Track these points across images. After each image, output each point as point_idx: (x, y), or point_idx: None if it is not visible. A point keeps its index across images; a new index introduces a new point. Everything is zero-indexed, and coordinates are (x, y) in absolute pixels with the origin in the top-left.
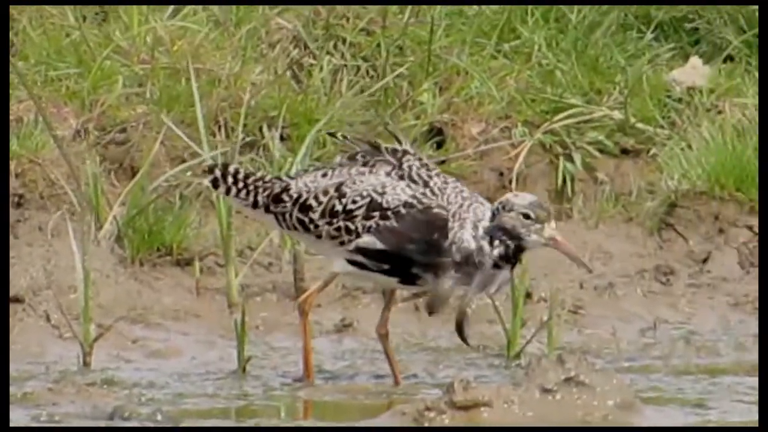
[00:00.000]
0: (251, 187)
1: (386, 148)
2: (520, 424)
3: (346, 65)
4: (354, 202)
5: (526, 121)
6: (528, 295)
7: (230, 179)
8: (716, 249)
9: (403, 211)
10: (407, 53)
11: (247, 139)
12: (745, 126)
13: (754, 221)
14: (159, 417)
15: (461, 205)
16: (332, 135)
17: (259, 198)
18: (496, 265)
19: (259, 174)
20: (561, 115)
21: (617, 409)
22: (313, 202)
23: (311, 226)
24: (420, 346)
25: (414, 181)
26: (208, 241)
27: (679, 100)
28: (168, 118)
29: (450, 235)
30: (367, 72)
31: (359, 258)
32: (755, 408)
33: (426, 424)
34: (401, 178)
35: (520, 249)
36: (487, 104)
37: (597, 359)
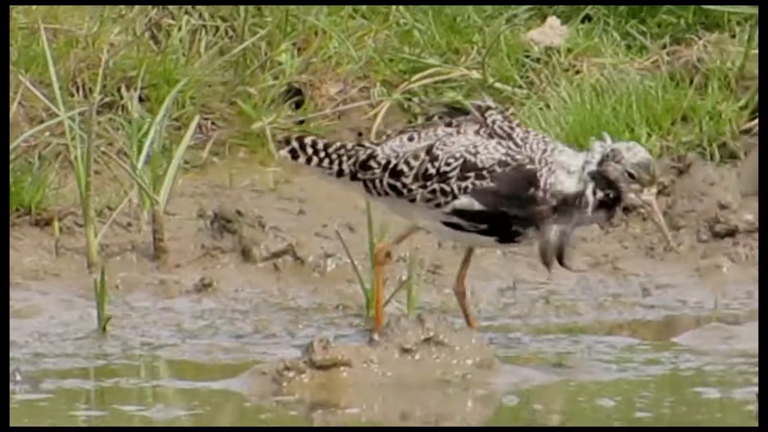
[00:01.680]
0: (334, 156)
1: (473, 105)
2: (379, 384)
3: (205, 26)
4: (447, 164)
5: (384, 81)
6: (387, 255)
7: (309, 149)
8: None
9: (498, 169)
10: (265, 13)
11: (106, 99)
12: (603, 85)
13: None
14: (18, 377)
15: (545, 150)
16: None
17: (345, 166)
18: (595, 209)
19: (338, 143)
20: (419, 75)
21: (476, 369)
22: (404, 167)
23: (404, 191)
24: (280, 305)
25: (501, 137)
26: (67, 201)
27: (537, 60)
28: (26, 78)
29: (541, 183)
30: (226, 32)
31: (456, 219)
32: (614, 367)
33: (284, 384)
34: (490, 136)
35: (617, 200)
36: (345, 64)
37: (456, 319)
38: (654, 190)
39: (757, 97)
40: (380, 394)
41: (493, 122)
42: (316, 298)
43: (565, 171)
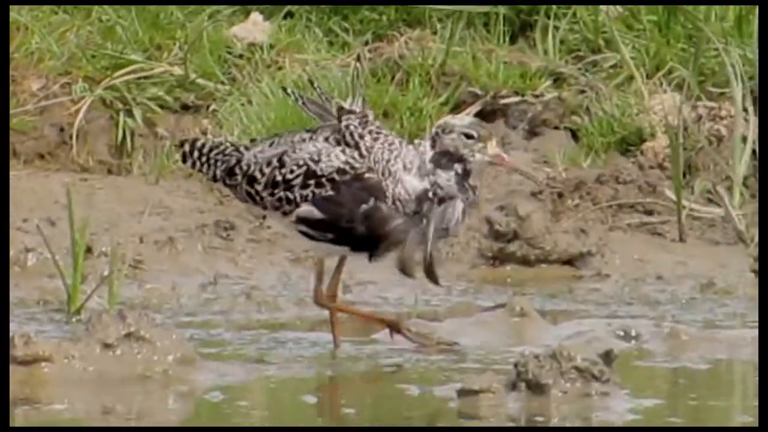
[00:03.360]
0: (212, 161)
1: (336, 105)
2: (81, 380)
3: None
4: (291, 171)
5: (86, 77)
6: (88, 250)
7: (195, 153)
8: None
9: (337, 178)
10: None
11: None
12: (305, 81)
13: None
14: None
15: (388, 161)
16: (284, 91)
17: (218, 172)
18: (450, 197)
19: (222, 145)
20: (121, 71)
21: (177, 364)
22: (258, 174)
23: (257, 198)
24: None
25: (347, 145)
26: None
27: (240, 56)
28: None
29: (389, 194)
30: None
31: (303, 228)
32: (316, 363)
33: None
34: (338, 143)
35: (466, 172)
36: (47, 60)
37: (157, 314)
38: (494, 142)
39: (457, 93)
40: (82, 390)
41: (347, 127)
42: (17, 292)
43: (408, 173)
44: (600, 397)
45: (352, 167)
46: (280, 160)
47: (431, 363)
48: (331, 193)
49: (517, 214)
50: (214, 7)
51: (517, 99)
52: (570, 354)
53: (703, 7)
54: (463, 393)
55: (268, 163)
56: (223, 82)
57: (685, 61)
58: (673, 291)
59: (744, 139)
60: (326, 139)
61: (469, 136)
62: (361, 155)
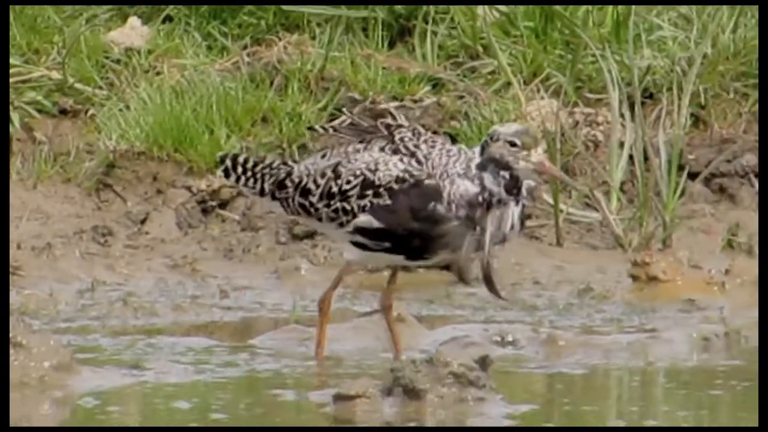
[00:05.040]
0: (258, 175)
1: (381, 123)
2: None
3: None
4: (348, 182)
5: None
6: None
7: (239, 168)
8: (154, 210)
9: (395, 186)
10: None
11: None
12: (184, 87)
13: (192, 181)
14: None
15: (446, 164)
16: (312, 129)
17: (266, 185)
18: (499, 201)
19: (267, 161)
20: None
21: (54, 371)
22: (312, 186)
23: (312, 210)
24: None
25: (404, 154)
26: None
27: (118, 61)
28: None
29: (444, 196)
30: None
31: (359, 238)
32: (191, 368)
33: None
34: (394, 152)
35: (514, 179)
36: None
37: (34, 320)
38: (540, 150)
39: (336, 98)
40: None
41: (401, 139)
42: None
43: (463, 177)
44: (476, 402)
45: (411, 174)
46: (335, 171)
47: (308, 369)
48: (389, 201)
49: None
50: (92, 12)
51: (395, 104)
52: (446, 359)
53: (580, 13)
54: (338, 398)
55: (323, 175)
56: (101, 87)
57: (562, 67)
58: (551, 296)
59: (621, 145)
60: (382, 149)
61: (513, 144)
62: (418, 162)
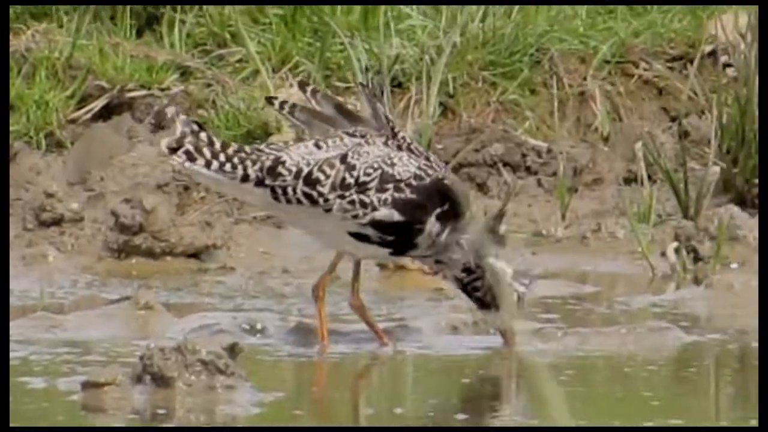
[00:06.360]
0: (236, 160)
1: (383, 115)
2: None
3: None
4: (366, 174)
5: None
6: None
7: (208, 152)
8: None
9: (414, 182)
10: None
11: None
12: None
13: None
14: None
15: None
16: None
17: (250, 171)
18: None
19: (235, 145)
20: None
21: None
22: (320, 175)
23: (320, 200)
24: None
25: (414, 154)
26: None
27: None
28: None
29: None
30: None
31: (369, 231)
32: None
33: None
34: (399, 148)
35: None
36: None
37: None
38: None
39: (84, 87)
40: None
41: (403, 138)
42: None
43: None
44: (225, 390)
45: (426, 173)
46: (345, 162)
47: (55, 356)
48: (413, 196)
49: (143, 206)
50: None
51: (143, 92)
52: (195, 347)
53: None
54: (87, 386)
55: (331, 165)
56: None
57: (311, 55)
58: (299, 284)
59: None
60: (385, 144)
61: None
62: (428, 159)
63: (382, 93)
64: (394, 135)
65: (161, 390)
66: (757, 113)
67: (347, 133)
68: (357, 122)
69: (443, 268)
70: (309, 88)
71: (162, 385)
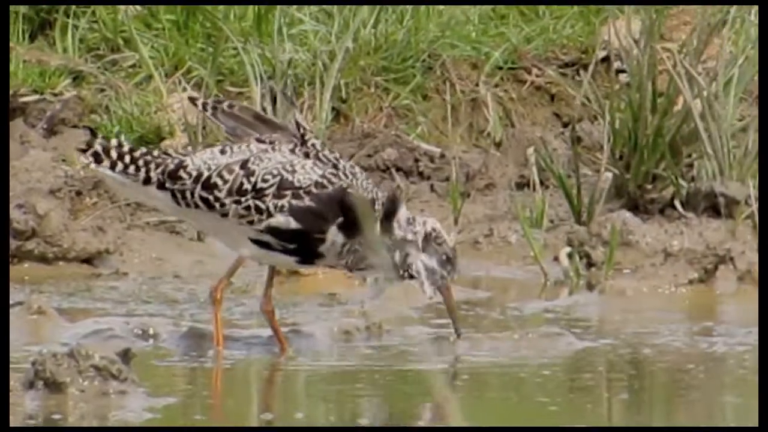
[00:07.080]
0: (140, 163)
1: (294, 121)
2: None
3: None
4: (265, 180)
5: None
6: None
7: (114, 154)
8: None
9: (314, 190)
10: None
11: None
12: None
13: None
14: None
15: (356, 177)
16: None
17: (152, 174)
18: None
19: (143, 149)
20: None
21: None
22: (218, 180)
23: (217, 205)
24: None
25: (321, 161)
26: None
27: None
28: None
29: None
30: None
31: (267, 238)
32: None
33: None
34: (306, 156)
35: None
36: None
37: None
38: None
39: None
40: None
41: (313, 146)
42: None
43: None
44: (118, 395)
45: (330, 181)
46: (245, 168)
47: None
48: (311, 204)
49: (36, 212)
50: None
51: (36, 97)
52: (88, 352)
53: (222, 6)
54: None
55: (230, 170)
56: None
57: (204, 60)
58: (191, 290)
59: None
60: (292, 152)
61: (448, 260)
62: (335, 168)
63: (275, 99)
64: (304, 142)
65: (54, 395)
66: (650, 119)
67: (258, 140)
68: (276, 129)
69: (372, 273)
70: (208, 105)
71: (55, 391)
